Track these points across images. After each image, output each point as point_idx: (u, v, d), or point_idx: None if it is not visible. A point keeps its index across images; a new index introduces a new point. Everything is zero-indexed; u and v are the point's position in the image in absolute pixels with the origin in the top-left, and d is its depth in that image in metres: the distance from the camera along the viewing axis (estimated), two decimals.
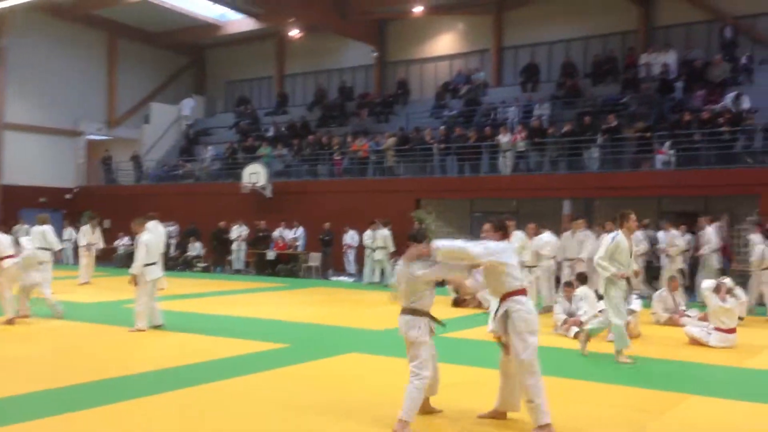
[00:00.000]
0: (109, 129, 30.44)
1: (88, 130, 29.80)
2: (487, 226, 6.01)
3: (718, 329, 9.78)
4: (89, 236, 18.24)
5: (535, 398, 5.55)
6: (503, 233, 5.99)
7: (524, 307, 5.71)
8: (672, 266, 14.64)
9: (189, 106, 32.14)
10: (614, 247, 8.58)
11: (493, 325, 6.07)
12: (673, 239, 14.83)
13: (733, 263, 15.66)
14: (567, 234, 13.98)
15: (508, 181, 20.20)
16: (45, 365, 8.39)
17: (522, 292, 5.77)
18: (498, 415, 6.01)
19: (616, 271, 8.56)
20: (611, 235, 8.84)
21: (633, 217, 8.79)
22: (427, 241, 5.79)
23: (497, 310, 5.82)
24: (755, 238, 13.24)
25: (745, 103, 18.58)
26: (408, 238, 5.97)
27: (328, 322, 11.79)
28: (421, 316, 5.77)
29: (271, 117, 29.05)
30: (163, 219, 23.63)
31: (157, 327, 10.67)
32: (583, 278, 11.30)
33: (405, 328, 5.78)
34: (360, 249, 20.14)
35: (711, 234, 14.66)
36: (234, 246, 22.54)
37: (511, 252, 5.90)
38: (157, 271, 10.92)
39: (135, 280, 10.57)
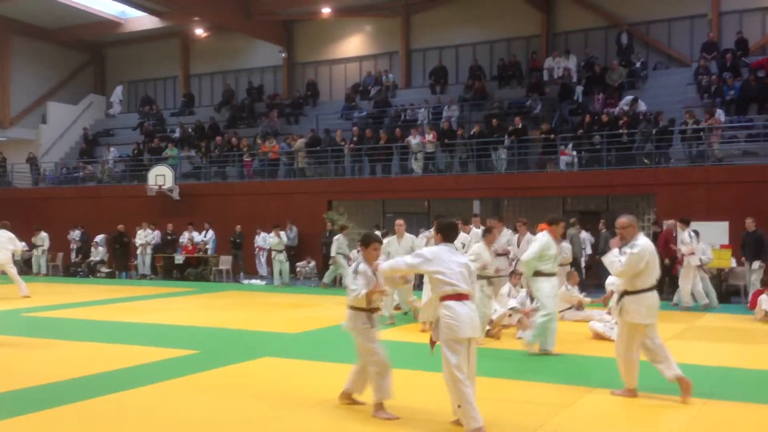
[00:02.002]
0: (3, 129, 28.91)
1: None
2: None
3: None
4: None
5: (462, 403, 5.46)
6: (443, 235, 5.87)
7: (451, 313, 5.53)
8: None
9: (118, 94, 30.97)
10: None
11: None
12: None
13: None
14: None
15: (419, 182, 20.42)
16: None
17: (454, 297, 5.56)
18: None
19: None
20: None
21: None
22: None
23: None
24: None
25: (641, 107, 19.49)
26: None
27: (239, 327, 11.55)
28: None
29: (176, 118, 28.31)
30: (66, 224, 22.85)
31: None
32: None
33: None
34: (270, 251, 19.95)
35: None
36: (139, 251, 21.84)
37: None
38: None
39: None
